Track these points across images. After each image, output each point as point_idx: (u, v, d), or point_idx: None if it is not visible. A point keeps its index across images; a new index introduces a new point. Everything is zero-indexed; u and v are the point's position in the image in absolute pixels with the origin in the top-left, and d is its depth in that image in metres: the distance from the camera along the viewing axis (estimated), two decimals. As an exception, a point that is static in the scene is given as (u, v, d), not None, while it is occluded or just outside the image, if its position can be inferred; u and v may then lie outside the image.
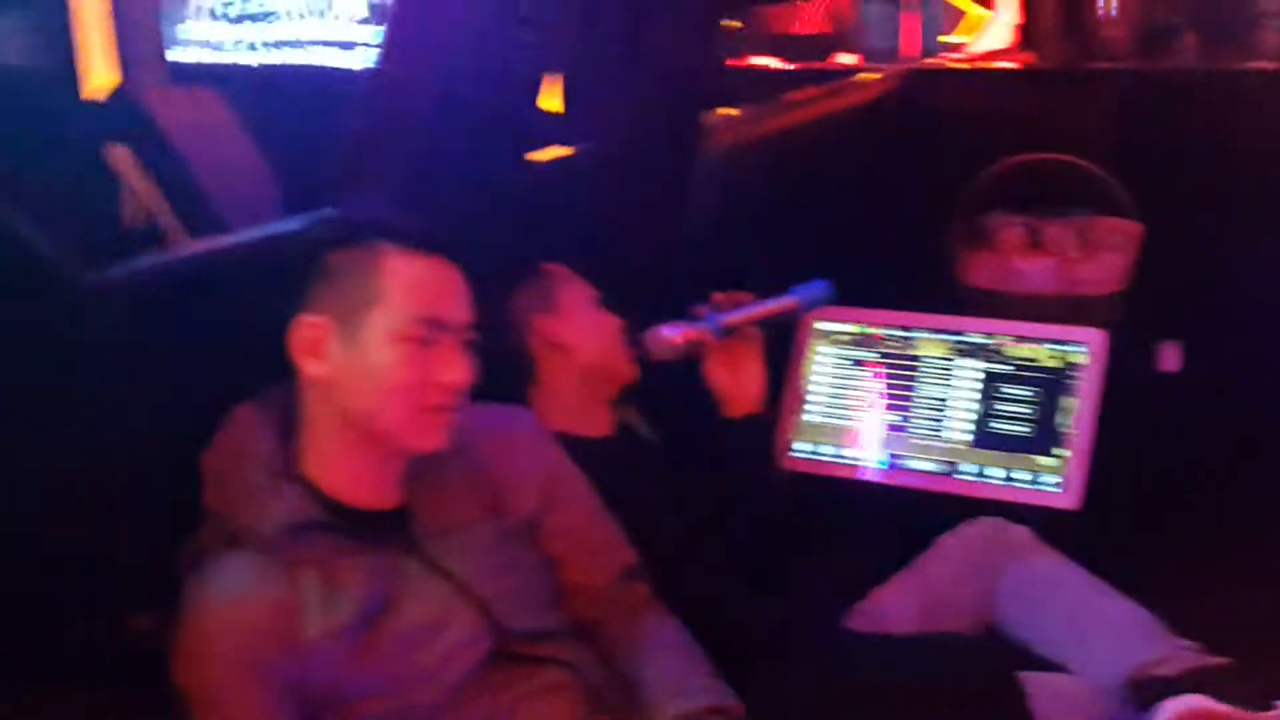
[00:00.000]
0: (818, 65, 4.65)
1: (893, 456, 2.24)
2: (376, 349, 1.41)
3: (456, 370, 1.45)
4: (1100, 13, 4.70)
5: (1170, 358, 2.63)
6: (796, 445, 2.29)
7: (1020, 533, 1.96)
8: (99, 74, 4.12)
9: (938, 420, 2.25)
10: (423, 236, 1.45)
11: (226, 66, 4.11)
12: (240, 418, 1.48)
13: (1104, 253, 2.78)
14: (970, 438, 2.22)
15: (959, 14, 5.31)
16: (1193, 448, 2.57)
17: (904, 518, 2.18)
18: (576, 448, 1.69)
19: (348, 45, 3.96)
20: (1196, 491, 2.47)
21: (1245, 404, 2.70)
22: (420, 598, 1.44)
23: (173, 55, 4.21)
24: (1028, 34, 4.60)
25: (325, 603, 1.39)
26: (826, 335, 2.36)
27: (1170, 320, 2.75)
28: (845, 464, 2.26)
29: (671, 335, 1.96)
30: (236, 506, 1.43)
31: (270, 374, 1.47)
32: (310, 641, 1.38)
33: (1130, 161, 2.96)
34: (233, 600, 1.37)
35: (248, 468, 1.44)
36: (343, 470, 1.46)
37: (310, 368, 1.43)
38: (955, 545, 1.97)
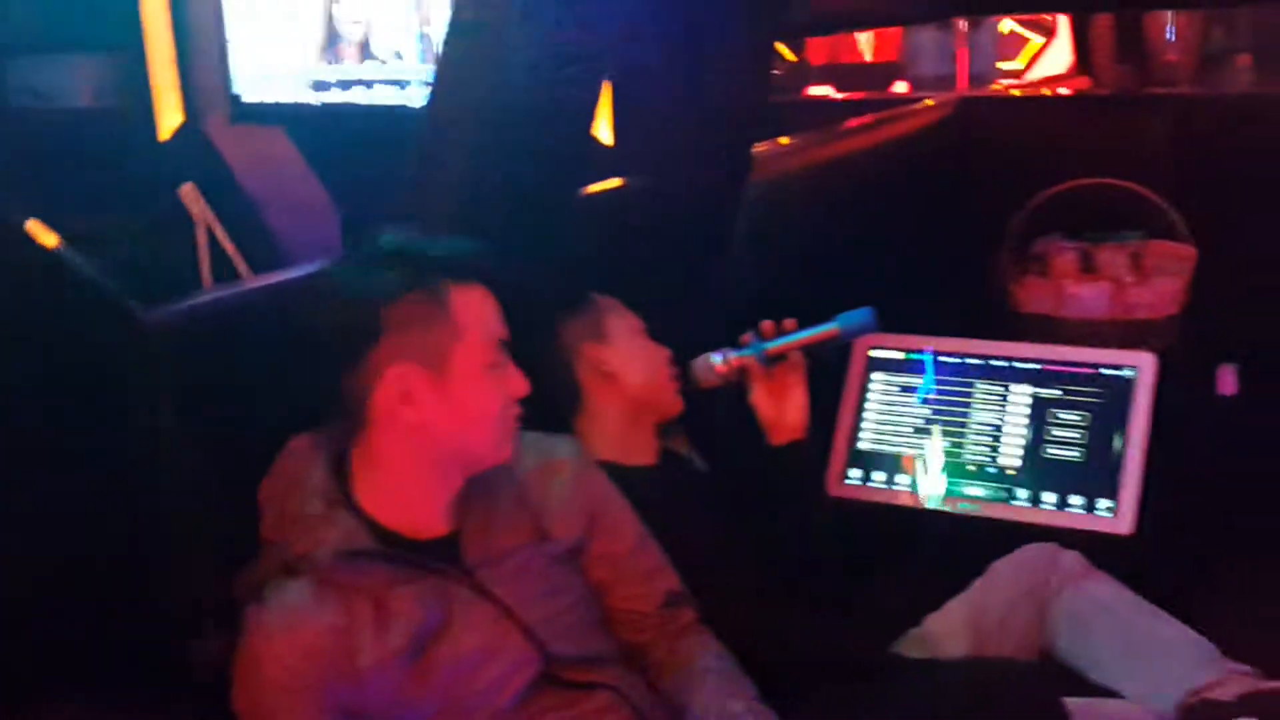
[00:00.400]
0: (873, 95, 4.66)
1: (945, 483, 2.24)
2: (470, 382, 1.47)
3: (521, 381, 1.53)
4: (1157, 38, 4.66)
5: (1227, 381, 2.60)
6: (850, 473, 2.30)
7: (1072, 558, 1.95)
8: (169, 114, 4.24)
9: (990, 446, 2.25)
10: (477, 268, 1.50)
11: (290, 105, 4.22)
12: (295, 449, 1.53)
13: (1158, 277, 2.76)
14: (1023, 463, 2.22)
15: (1015, 41, 5.30)
16: (1249, 471, 2.53)
17: (957, 544, 2.18)
18: (622, 475, 1.71)
19: (403, 84, 4.05)
20: (1253, 515, 2.43)
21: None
22: (470, 624, 1.47)
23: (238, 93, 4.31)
24: (1084, 60, 4.58)
25: (379, 629, 1.43)
26: (880, 362, 2.37)
27: (1226, 343, 2.72)
28: (898, 491, 2.26)
29: (716, 363, 1.99)
30: (292, 535, 1.47)
31: (323, 407, 1.51)
32: (364, 667, 1.41)
33: (1186, 185, 2.94)
34: (289, 627, 1.41)
35: (303, 498, 1.49)
36: (398, 500, 1.50)
37: (405, 415, 1.46)
38: (1007, 571, 1.97)
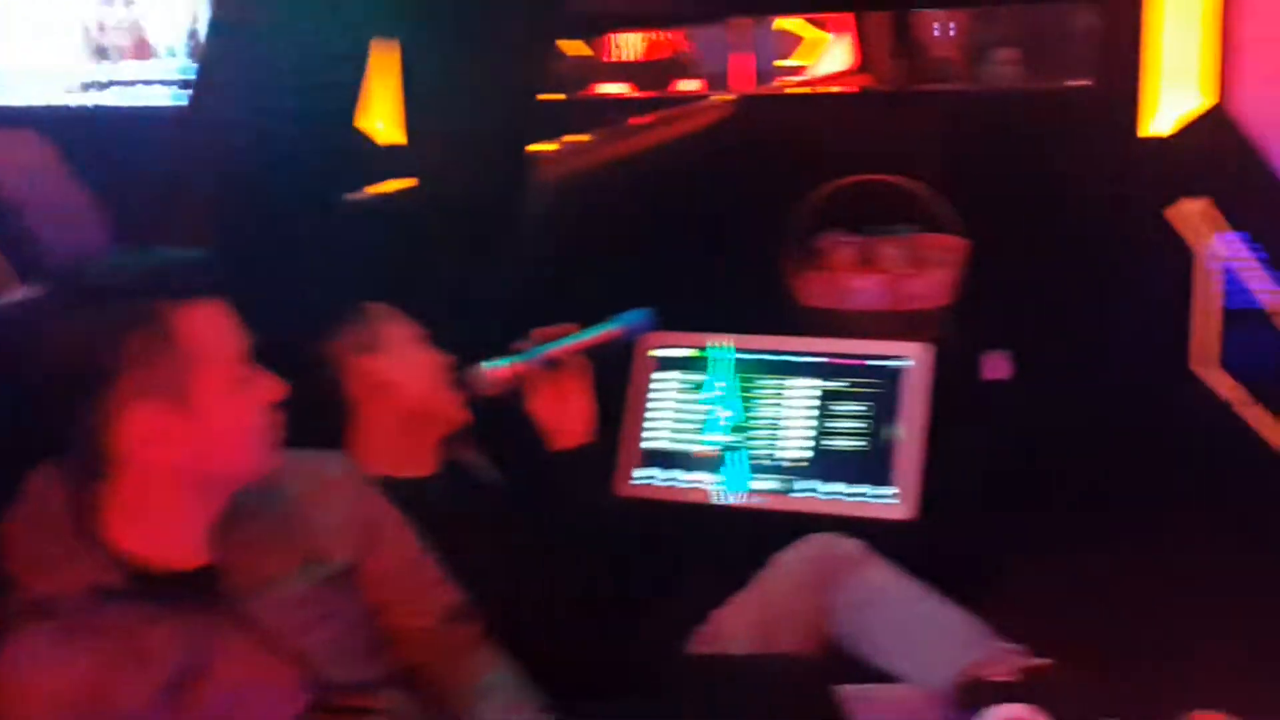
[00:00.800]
0: (660, 93, 4.69)
1: (734, 478, 2.27)
2: (217, 405, 1.38)
3: (275, 386, 1.45)
4: (930, 34, 4.84)
5: (999, 366, 2.71)
6: (638, 472, 2.30)
7: (852, 546, 1.99)
8: (-84, 120, 3.96)
9: (776, 439, 2.29)
10: (203, 282, 1.42)
11: (51, 107, 3.98)
12: (38, 484, 1.43)
13: (932, 268, 2.86)
14: (808, 455, 2.26)
15: (799, 38, 5.42)
16: (1025, 454, 2.64)
17: (747, 538, 2.20)
18: (399, 489, 1.66)
19: (177, 83, 3.87)
20: (1027, 497, 2.53)
21: (1075, 408, 2.79)
22: (234, 658, 1.40)
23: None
24: (864, 57, 4.71)
25: (135, 671, 1.34)
26: (665, 361, 2.37)
27: (999, 330, 2.83)
28: (688, 488, 2.28)
29: (494, 371, 1.96)
30: (38, 575, 1.38)
31: (64, 440, 1.41)
32: (122, 712, 1.33)
33: (957, 179, 3.04)
34: (36, 674, 1.32)
35: (47, 535, 1.39)
36: (152, 533, 1.41)
37: (151, 455, 1.37)
38: (790, 563, 2.00)
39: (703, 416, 2.32)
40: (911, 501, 2.19)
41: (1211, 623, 2.29)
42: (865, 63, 4.74)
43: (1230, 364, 2.66)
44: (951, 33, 5.30)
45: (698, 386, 2.35)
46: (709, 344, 2.36)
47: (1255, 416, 2.63)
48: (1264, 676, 2.07)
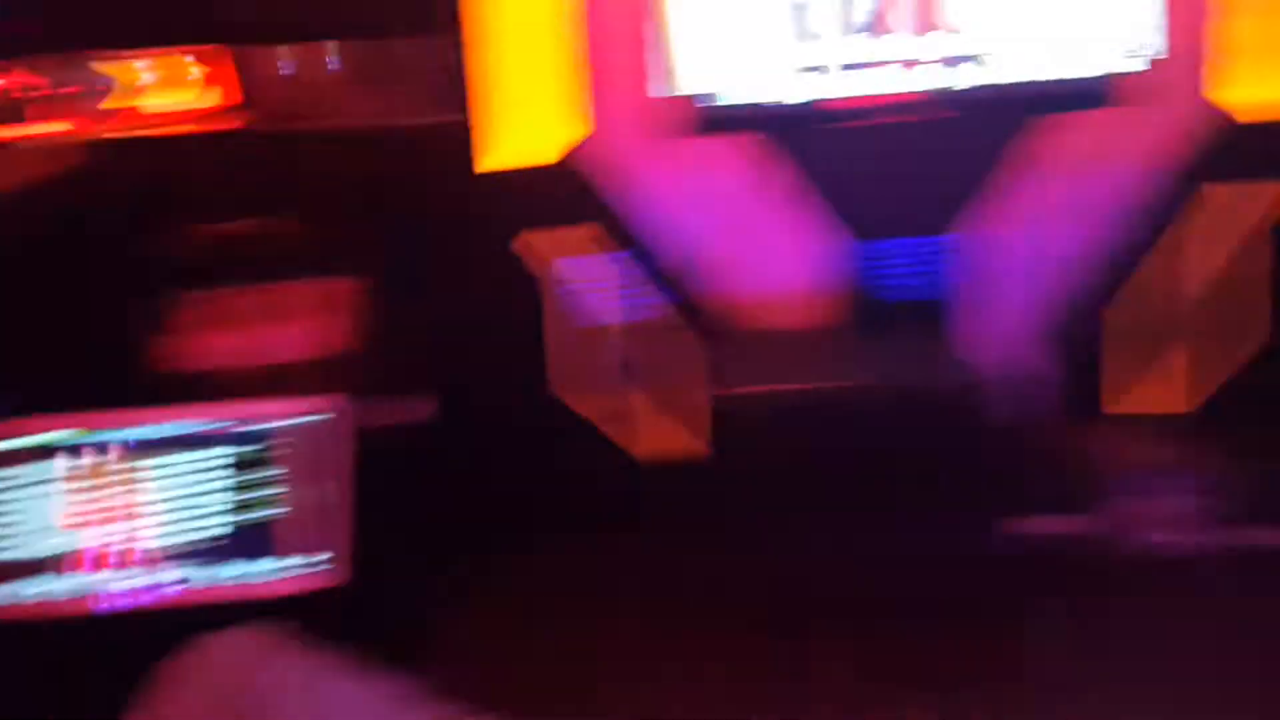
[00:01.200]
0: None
1: (131, 576, 2.03)
2: None
3: None
4: (309, 71, 4.73)
5: (418, 411, 2.59)
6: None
7: (264, 639, 1.77)
8: None
9: (180, 523, 2.06)
10: None
11: None
12: None
13: (324, 314, 2.71)
14: (225, 533, 2.07)
15: (172, 74, 5.06)
16: (453, 497, 2.53)
17: (146, 646, 1.84)
18: None
19: None
20: (463, 540, 2.43)
21: (473, 445, 2.72)
22: None
23: None
24: (242, 94, 4.49)
25: None
26: (10, 456, 2.05)
27: (416, 374, 2.71)
28: (67, 599, 2.00)
29: None
30: None
31: None
32: None
33: (341, 218, 2.89)
34: None
35: None
36: None
37: None
38: (190, 672, 1.72)
39: (76, 512, 2.04)
40: (345, 564, 2.05)
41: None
42: (245, 100, 4.49)
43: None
44: (333, 68, 5.20)
45: (62, 479, 2.05)
46: (66, 425, 2.08)
47: (616, 431, 2.77)
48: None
